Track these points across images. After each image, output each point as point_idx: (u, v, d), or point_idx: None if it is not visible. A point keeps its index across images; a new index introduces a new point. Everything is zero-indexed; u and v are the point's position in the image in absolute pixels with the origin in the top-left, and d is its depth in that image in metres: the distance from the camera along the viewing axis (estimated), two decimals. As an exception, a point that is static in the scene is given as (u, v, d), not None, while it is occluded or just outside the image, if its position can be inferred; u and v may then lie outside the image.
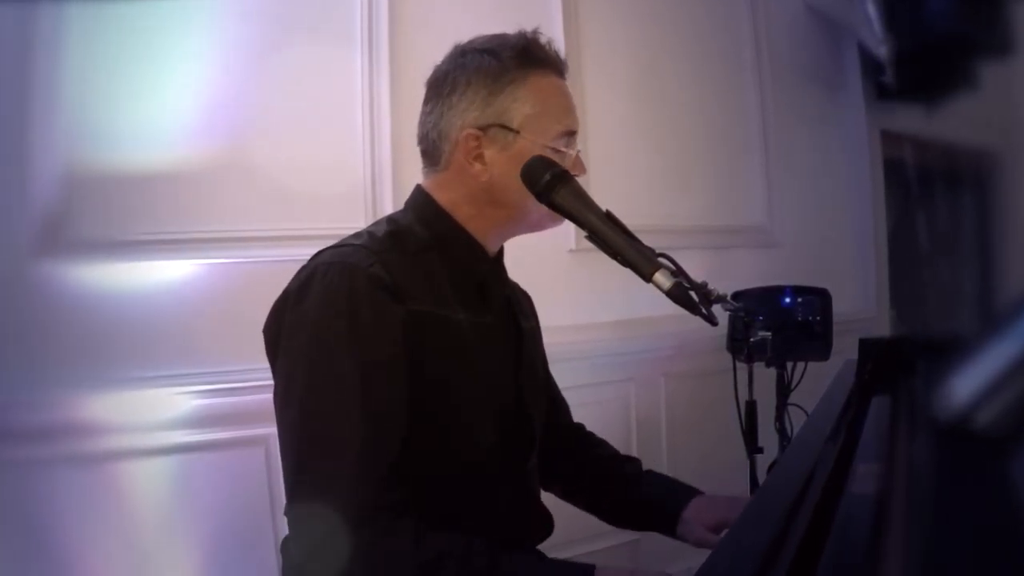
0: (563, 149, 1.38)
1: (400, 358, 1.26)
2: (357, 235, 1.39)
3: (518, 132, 1.36)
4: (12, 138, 2.12)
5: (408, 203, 1.48)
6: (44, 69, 2.16)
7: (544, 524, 1.55)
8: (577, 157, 1.42)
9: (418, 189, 1.47)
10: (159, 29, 2.31)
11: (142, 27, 2.29)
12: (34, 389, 2.06)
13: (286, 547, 1.47)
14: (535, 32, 1.42)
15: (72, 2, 2.20)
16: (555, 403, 1.75)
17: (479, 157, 1.38)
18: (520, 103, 1.37)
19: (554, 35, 2.95)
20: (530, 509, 1.53)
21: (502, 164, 1.38)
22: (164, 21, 2.32)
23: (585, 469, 1.73)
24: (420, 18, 2.76)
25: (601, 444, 1.78)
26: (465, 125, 1.38)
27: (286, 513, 1.27)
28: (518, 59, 1.39)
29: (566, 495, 1.75)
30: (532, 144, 1.36)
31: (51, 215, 2.15)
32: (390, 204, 2.58)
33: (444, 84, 1.41)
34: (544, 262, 2.83)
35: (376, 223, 1.46)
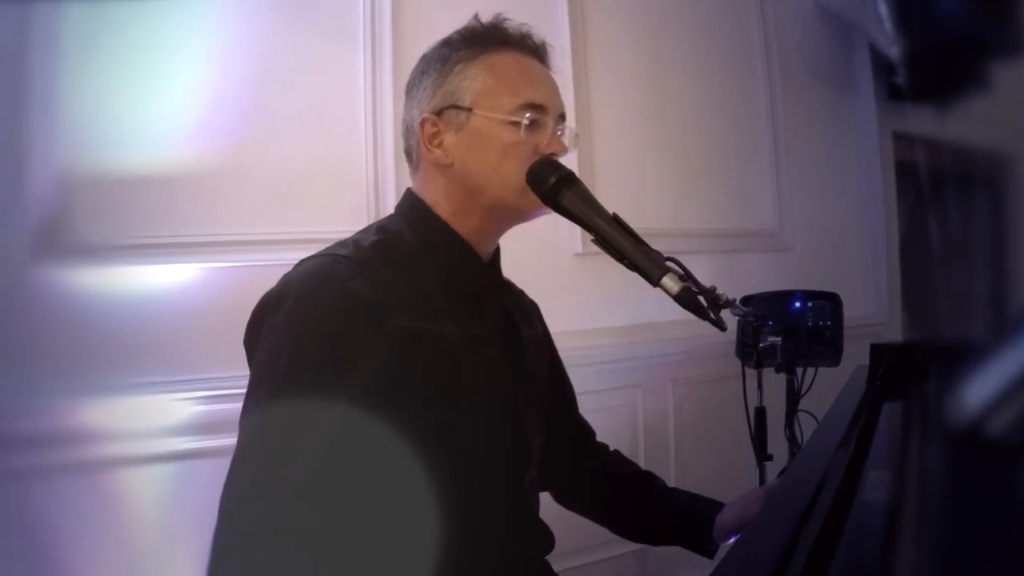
0: (521, 121, 1.34)
1: (372, 380, 1.22)
2: (342, 244, 1.37)
3: (470, 109, 1.35)
4: (8, 140, 2.12)
5: (398, 208, 1.47)
6: (41, 70, 2.16)
7: (544, 539, 1.53)
8: (554, 134, 1.37)
9: (407, 193, 1.47)
10: (157, 29, 2.32)
11: (140, 27, 2.29)
12: (31, 395, 2.06)
13: None
14: (500, 16, 1.41)
15: (69, 2, 2.21)
16: (576, 422, 1.76)
17: (439, 144, 1.38)
18: (469, 80, 1.36)
19: (560, 35, 2.98)
20: (528, 524, 1.51)
21: (460, 145, 1.37)
22: (163, 21, 2.33)
23: (614, 489, 1.71)
24: (423, 17, 2.77)
25: (625, 462, 1.77)
26: (421, 113, 1.39)
27: None
28: (470, 40, 1.40)
29: (589, 512, 1.75)
30: (487, 120, 1.35)
31: (48, 218, 2.16)
32: (393, 207, 2.58)
33: (409, 83, 1.45)
34: (550, 266, 2.83)
35: (364, 230, 1.43)
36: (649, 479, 1.72)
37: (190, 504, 2.21)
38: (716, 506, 1.61)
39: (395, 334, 1.25)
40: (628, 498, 1.70)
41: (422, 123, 1.38)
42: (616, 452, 1.79)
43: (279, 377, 1.20)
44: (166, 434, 2.22)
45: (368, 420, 1.21)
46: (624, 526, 1.73)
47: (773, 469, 1.78)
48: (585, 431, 1.78)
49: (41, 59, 2.16)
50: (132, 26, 2.28)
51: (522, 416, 1.45)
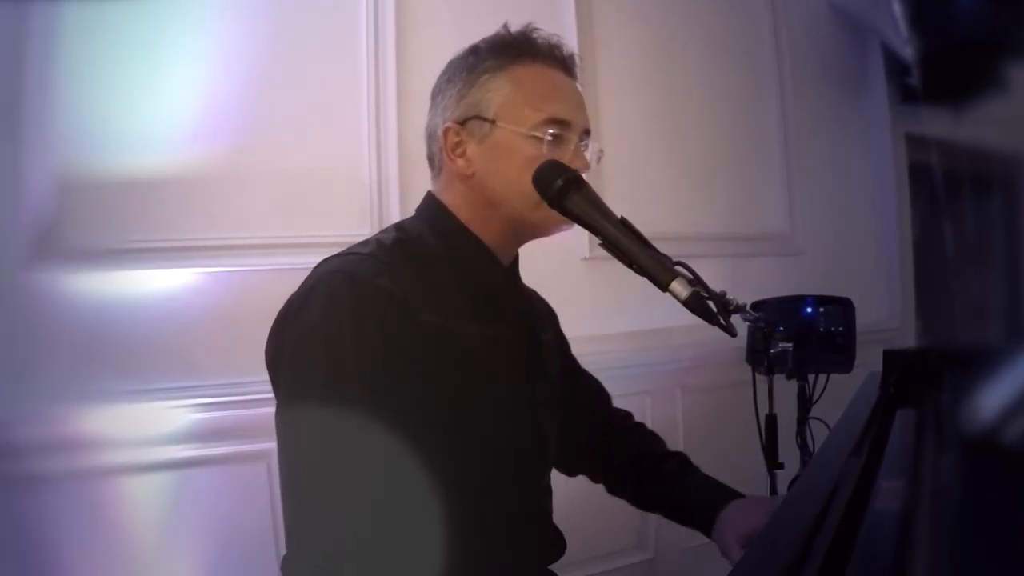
0: (543, 136, 1.36)
1: (405, 377, 1.26)
2: (364, 243, 1.39)
3: (493, 122, 1.37)
4: (5, 142, 2.12)
5: (419, 210, 1.49)
6: (37, 70, 2.16)
7: (557, 544, 1.55)
8: (576, 150, 1.40)
9: (429, 196, 1.48)
10: (157, 29, 2.31)
11: (139, 28, 2.29)
12: (28, 402, 2.06)
13: (286, 566, 1.47)
14: (530, 26, 1.42)
15: (66, 3, 2.21)
16: (596, 394, 1.78)
17: (462, 153, 1.40)
18: (494, 92, 1.38)
19: (567, 37, 2.98)
20: (543, 528, 1.53)
21: (482, 156, 1.39)
22: (162, 21, 2.32)
23: (625, 464, 1.72)
24: (427, 20, 2.77)
25: (646, 437, 1.78)
26: (445, 121, 1.41)
27: (293, 553, 1.27)
28: (497, 50, 1.41)
29: (609, 487, 1.76)
30: (509, 133, 1.36)
31: (45, 222, 2.16)
32: (397, 211, 2.58)
33: (435, 88, 1.47)
34: (557, 270, 2.83)
35: (384, 230, 1.46)
36: (661, 461, 1.71)
37: (190, 512, 2.22)
38: (723, 499, 1.58)
39: (425, 330, 1.28)
40: (639, 478, 1.70)
41: (445, 132, 1.40)
42: (640, 427, 1.81)
43: (329, 381, 1.23)
44: (165, 442, 2.21)
45: (408, 414, 1.25)
46: (648, 504, 1.72)
47: (784, 477, 1.77)
48: (604, 400, 1.80)
49: (38, 57, 2.16)
50: (131, 28, 2.27)
51: (540, 419, 1.47)
